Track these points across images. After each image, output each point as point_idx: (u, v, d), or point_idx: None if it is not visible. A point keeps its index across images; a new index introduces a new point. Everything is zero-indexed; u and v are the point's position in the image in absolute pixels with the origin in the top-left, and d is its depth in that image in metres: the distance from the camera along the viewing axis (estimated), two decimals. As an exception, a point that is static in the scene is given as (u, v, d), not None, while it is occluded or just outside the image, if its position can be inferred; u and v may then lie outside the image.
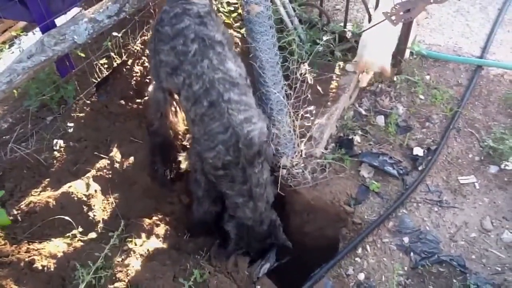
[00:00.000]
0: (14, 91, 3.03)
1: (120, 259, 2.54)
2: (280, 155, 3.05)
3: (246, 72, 2.76)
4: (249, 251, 2.80)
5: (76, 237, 2.59)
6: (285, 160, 3.04)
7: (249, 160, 2.54)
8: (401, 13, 2.96)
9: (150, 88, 3.08)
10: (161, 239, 2.79)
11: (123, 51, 3.37)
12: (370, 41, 3.37)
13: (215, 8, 3.58)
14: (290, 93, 2.97)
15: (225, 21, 3.85)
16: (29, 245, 2.49)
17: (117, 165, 3.00)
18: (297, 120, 3.02)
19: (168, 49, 2.64)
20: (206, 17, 2.68)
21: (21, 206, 2.62)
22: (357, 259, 2.82)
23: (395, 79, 3.68)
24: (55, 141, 2.96)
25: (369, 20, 3.56)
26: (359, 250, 2.85)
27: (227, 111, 2.51)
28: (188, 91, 2.62)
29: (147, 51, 3.51)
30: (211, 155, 2.58)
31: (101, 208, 2.80)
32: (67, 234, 2.59)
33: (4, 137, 2.96)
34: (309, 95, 3.04)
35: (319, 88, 3.26)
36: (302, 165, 3.08)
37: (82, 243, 2.56)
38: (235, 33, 3.81)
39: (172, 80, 2.69)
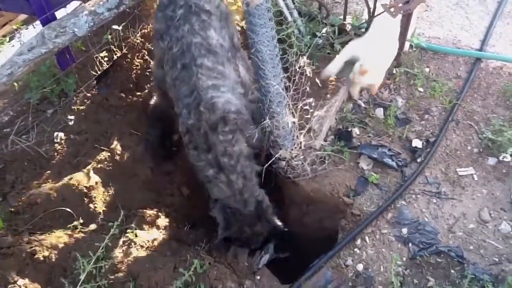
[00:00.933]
0: (15, 84, 3.05)
1: (120, 250, 2.56)
2: (279, 147, 3.06)
3: (230, 47, 2.76)
4: (240, 238, 2.72)
5: (77, 228, 2.62)
6: (285, 152, 3.04)
7: (211, 125, 2.46)
8: (400, 4, 2.96)
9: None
10: (161, 230, 2.81)
11: (123, 44, 3.39)
12: (370, 59, 3.21)
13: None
14: (289, 86, 2.98)
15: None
16: (31, 236, 2.52)
17: (117, 157, 3.03)
18: (296, 112, 3.03)
19: (161, 16, 2.73)
20: None
21: (22, 198, 2.66)
22: (356, 250, 2.84)
23: (394, 71, 3.68)
24: (55, 133, 2.99)
25: (368, 13, 3.55)
26: (358, 241, 2.86)
27: (196, 75, 2.49)
28: (168, 54, 2.64)
29: (147, 43, 3.52)
30: (180, 121, 2.59)
31: (101, 199, 2.83)
32: (68, 226, 2.62)
33: (5, 130, 2.99)
34: (308, 88, 3.04)
35: (318, 80, 3.26)
36: (302, 157, 3.08)
37: (83, 234, 2.59)
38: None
39: (159, 45, 2.73)
